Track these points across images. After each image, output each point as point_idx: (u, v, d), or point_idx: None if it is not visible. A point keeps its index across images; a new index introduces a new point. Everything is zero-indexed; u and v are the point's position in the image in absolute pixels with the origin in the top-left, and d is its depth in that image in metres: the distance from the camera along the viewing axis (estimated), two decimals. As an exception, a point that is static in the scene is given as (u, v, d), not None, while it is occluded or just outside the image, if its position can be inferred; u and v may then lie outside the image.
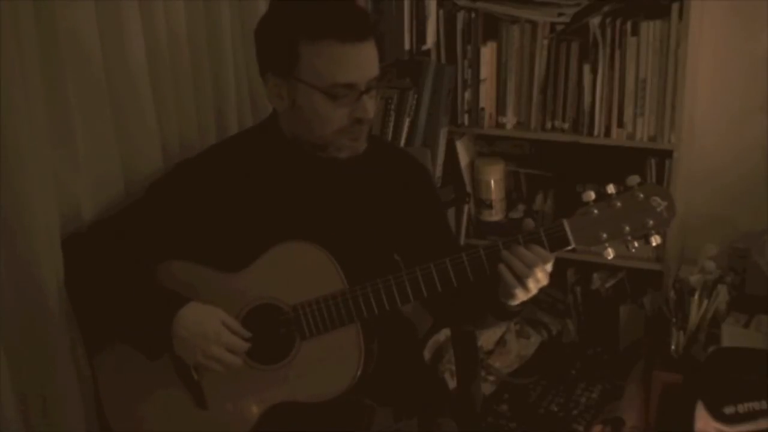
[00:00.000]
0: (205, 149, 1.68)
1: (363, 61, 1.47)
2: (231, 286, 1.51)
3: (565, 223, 1.40)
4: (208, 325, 1.44)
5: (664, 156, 2.46)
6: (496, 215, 2.74)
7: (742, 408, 2.04)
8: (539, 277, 1.40)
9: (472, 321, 1.68)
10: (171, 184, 1.61)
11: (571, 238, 1.40)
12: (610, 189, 1.39)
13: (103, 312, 1.52)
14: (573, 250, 1.43)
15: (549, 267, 1.41)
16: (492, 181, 2.70)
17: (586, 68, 2.46)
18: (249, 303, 1.50)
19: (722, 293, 2.33)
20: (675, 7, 2.32)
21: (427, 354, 2.44)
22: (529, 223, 1.47)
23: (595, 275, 2.69)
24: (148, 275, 1.52)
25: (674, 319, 2.28)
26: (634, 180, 1.39)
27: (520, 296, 1.42)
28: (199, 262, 1.54)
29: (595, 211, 1.39)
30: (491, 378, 2.58)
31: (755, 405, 2.03)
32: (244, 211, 1.57)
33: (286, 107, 1.52)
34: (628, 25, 2.39)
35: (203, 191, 1.57)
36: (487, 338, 2.63)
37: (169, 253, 1.54)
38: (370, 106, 1.50)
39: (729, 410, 2.05)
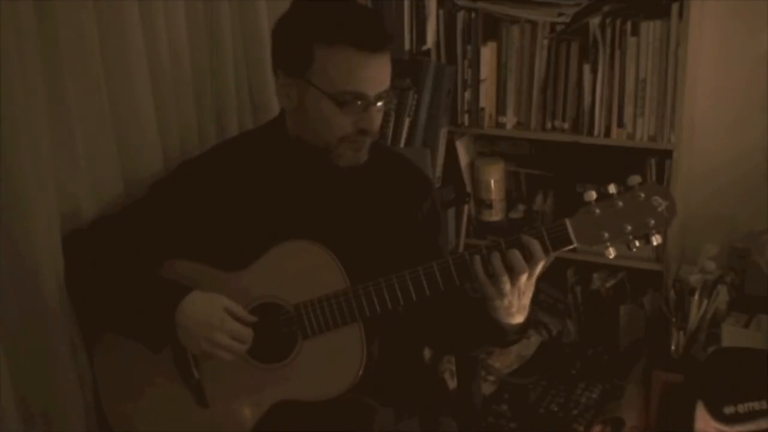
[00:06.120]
0: (208, 149, 1.69)
1: (376, 72, 1.46)
2: (233, 285, 1.51)
3: (567, 223, 1.40)
4: (212, 313, 1.44)
5: (664, 156, 2.46)
6: (496, 215, 2.74)
7: (742, 408, 2.05)
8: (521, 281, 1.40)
9: (470, 348, 1.69)
10: (174, 183, 1.62)
11: (573, 237, 1.40)
12: (612, 189, 1.40)
13: (104, 308, 1.52)
14: (574, 250, 1.44)
15: (537, 270, 1.41)
16: (492, 181, 2.70)
17: (586, 68, 2.45)
18: (251, 302, 1.50)
19: (722, 293, 2.34)
20: (675, 7, 2.32)
21: (427, 354, 2.43)
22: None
23: (595, 275, 2.69)
24: (149, 269, 1.52)
25: (674, 319, 2.28)
26: (635, 180, 1.40)
27: (505, 304, 1.44)
28: (201, 260, 1.54)
29: (597, 211, 1.39)
30: (491, 378, 2.58)
31: (755, 405, 2.04)
32: (245, 211, 1.57)
33: (294, 107, 1.52)
34: (628, 25, 2.38)
35: (206, 190, 1.57)
36: (487, 338, 2.63)
37: (171, 251, 1.54)
38: (377, 118, 1.49)
39: (729, 410, 2.05)
